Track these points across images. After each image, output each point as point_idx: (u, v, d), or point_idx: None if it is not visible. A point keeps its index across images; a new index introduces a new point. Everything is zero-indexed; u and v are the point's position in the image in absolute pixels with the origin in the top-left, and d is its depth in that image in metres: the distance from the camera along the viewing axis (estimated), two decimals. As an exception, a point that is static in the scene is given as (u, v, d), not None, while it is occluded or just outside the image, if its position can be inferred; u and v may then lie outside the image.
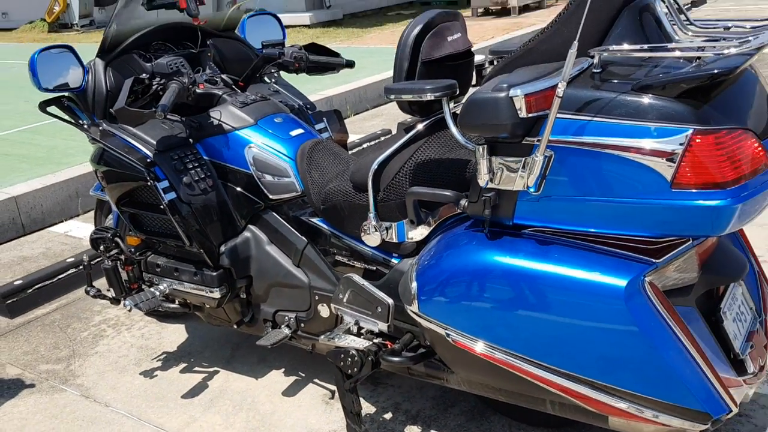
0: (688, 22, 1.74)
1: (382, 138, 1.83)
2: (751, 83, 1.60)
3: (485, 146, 1.60)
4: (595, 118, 1.49)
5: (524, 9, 12.20)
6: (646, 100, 1.46)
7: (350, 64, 2.70)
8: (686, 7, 2.02)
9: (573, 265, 1.57)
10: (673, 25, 1.65)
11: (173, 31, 2.62)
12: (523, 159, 1.56)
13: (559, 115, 1.53)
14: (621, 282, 1.52)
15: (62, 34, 15.22)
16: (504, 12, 11.98)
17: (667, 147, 1.43)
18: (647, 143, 1.45)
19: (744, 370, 1.73)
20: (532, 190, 1.58)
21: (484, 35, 9.67)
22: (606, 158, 1.49)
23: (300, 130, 2.39)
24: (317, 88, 6.61)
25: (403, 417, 2.27)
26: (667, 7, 1.65)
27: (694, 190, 1.43)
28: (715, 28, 1.75)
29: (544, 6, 12.65)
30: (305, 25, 12.20)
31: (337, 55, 2.72)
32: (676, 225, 1.47)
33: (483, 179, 1.62)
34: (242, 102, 2.39)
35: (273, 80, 2.81)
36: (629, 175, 1.48)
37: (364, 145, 4.19)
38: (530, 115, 1.52)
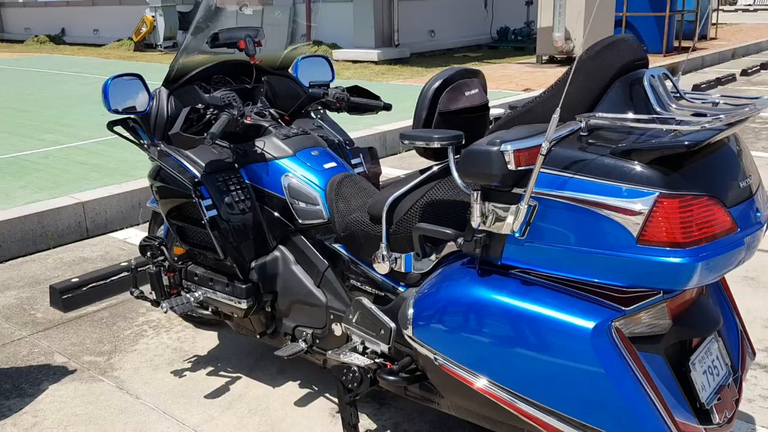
0: (678, 96, 1.91)
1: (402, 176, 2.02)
2: (727, 155, 1.76)
3: (479, 192, 1.80)
4: (576, 176, 1.68)
5: (590, 60, 12.32)
6: (621, 163, 1.64)
7: (387, 107, 2.94)
8: (676, 79, 2.15)
9: (549, 305, 1.74)
10: (661, 98, 1.82)
11: (232, 67, 2.92)
12: (511, 206, 1.75)
13: (545, 171, 1.72)
14: (589, 324, 1.68)
15: (146, 53, 16.10)
16: (569, 60, 12.13)
17: (636, 207, 1.60)
18: (619, 202, 1.62)
19: (708, 420, 1.85)
20: (517, 234, 1.76)
21: (545, 83, 9.84)
22: (583, 212, 1.67)
23: (333, 164, 2.63)
24: (373, 123, 6.90)
25: (401, 436, 2.45)
26: (657, 81, 1.83)
27: (657, 247, 1.59)
28: (704, 102, 1.91)
29: (610, 59, 12.73)
30: (373, 62, 12.62)
31: (377, 98, 2.96)
32: (641, 277, 1.63)
33: (476, 221, 1.82)
34: (285, 134, 2.66)
35: (318, 116, 3.07)
36: (602, 229, 1.65)
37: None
38: (518, 168, 1.71)
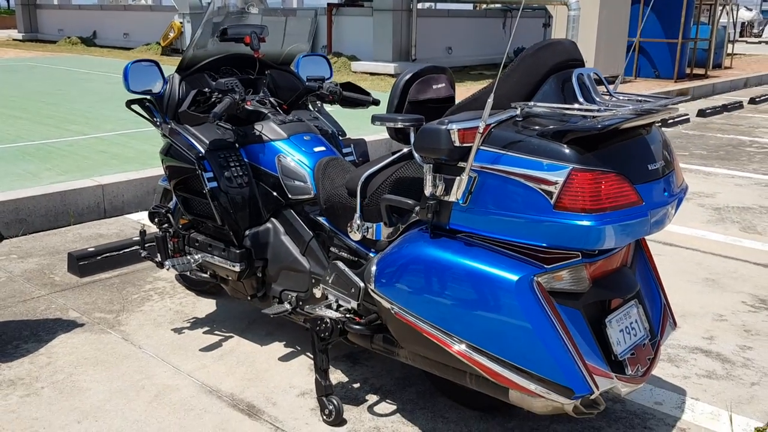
0: (606, 93, 2.23)
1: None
2: (641, 142, 2.08)
3: (431, 165, 2.13)
4: (508, 153, 2.00)
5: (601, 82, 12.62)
6: (544, 142, 1.96)
7: (376, 102, 3.29)
8: (612, 80, 2.51)
9: (483, 262, 2.07)
10: (587, 93, 2.14)
11: (239, 60, 3.29)
12: (456, 177, 2.08)
13: (485, 148, 2.05)
14: (514, 277, 2.00)
15: (173, 57, 16.64)
16: (580, 83, 12.43)
17: (553, 178, 1.92)
18: (540, 174, 1.94)
19: (622, 371, 2.16)
20: (461, 202, 2.09)
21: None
22: (512, 183, 1.99)
23: (322, 148, 2.97)
24: (382, 129, 7.26)
25: (368, 388, 2.76)
26: (586, 79, 2.15)
27: (570, 213, 1.91)
28: (628, 100, 2.23)
29: (622, 82, 13.03)
30: (390, 74, 13.02)
31: (367, 94, 3.31)
32: (557, 238, 1.95)
33: (428, 190, 2.15)
34: (281, 120, 3.01)
35: (316, 108, 3.43)
36: (527, 197, 1.97)
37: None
38: (462, 144, 2.04)
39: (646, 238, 2.85)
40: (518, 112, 2.08)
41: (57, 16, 23.71)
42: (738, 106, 11.33)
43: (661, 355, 3.06)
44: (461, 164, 2.08)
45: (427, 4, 15.66)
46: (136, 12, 21.40)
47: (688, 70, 14.36)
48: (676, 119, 9.55)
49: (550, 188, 1.93)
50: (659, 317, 2.43)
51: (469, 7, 16.92)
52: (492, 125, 2.06)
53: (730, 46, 17.71)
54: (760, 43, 31.25)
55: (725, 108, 10.87)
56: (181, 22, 17.12)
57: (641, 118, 1.98)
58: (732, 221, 5.04)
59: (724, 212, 5.27)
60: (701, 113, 10.27)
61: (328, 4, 15.06)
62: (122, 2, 26.04)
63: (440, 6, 18.03)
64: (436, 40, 14.85)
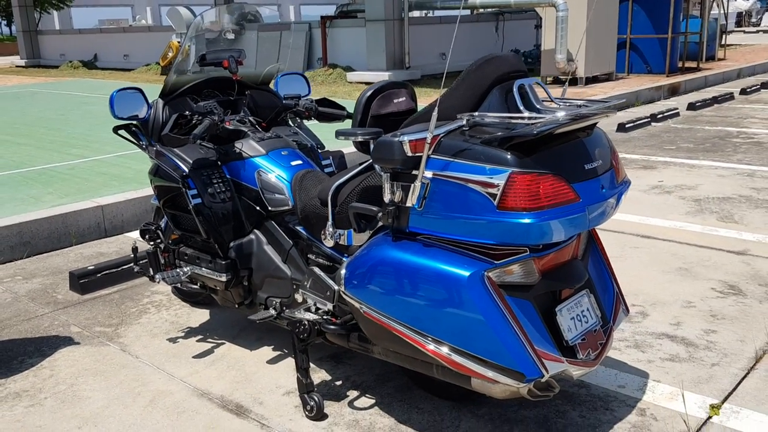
0: (547, 100, 2.41)
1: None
2: (578, 145, 2.25)
3: (389, 174, 2.32)
4: (455, 160, 2.19)
5: (593, 80, 12.79)
6: (487, 149, 2.14)
7: (351, 116, 3.48)
8: (564, 88, 2.70)
9: (439, 260, 2.25)
10: (528, 101, 2.32)
11: (219, 82, 3.49)
12: (411, 184, 2.26)
13: (436, 157, 2.23)
14: (465, 273, 2.18)
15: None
16: (572, 82, 12.60)
17: (494, 181, 2.10)
18: (483, 178, 2.12)
19: (573, 355, 2.33)
20: (416, 206, 2.28)
21: (543, 102, 10.30)
22: (460, 187, 2.17)
23: (299, 161, 3.16)
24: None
25: (349, 384, 2.95)
26: (527, 89, 2.34)
27: (511, 212, 2.09)
28: (569, 105, 2.41)
29: (613, 78, 13.20)
30: (384, 83, 13.21)
31: (342, 108, 3.51)
32: (503, 235, 2.13)
33: (387, 197, 2.33)
34: (260, 138, 3.21)
35: (296, 124, 3.62)
36: (473, 200, 2.15)
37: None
38: (414, 154, 2.23)
39: (599, 231, 3.01)
40: (464, 122, 2.26)
41: (58, 42, 24.12)
42: (729, 97, 11.46)
43: (628, 343, 3.23)
44: (415, 172, 2.27)
45: (417, 13, 15.86)
46: (135, 34, 21.76)
47: (680, 64, 14.50)
48: (665, 114, 9.71)
49: (493, 191, 2.11)
50: (612, 305, 2.60)
51: (462, 12, 17.11)
52: (441, 135, 2.25)
53: (724, 37, 17.82)
54: (758, 32, 31.30)
55: (716, 100, 11.01)
56: (178, 42, 17.42)
57: (575, 122, 2.17)
58: (711, 212, 5.20)
59: (704, 203, 5.43)
60: (691, 107, 10.42)
61: (322, 17, 15.31)
62: (122, 24, 26.41)
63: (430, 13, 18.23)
64: (429, 47, 15.06)
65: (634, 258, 4.31)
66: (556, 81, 12.87)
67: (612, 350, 3.16)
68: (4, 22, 42.08)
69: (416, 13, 17.17)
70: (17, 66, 24.26)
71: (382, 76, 13.29)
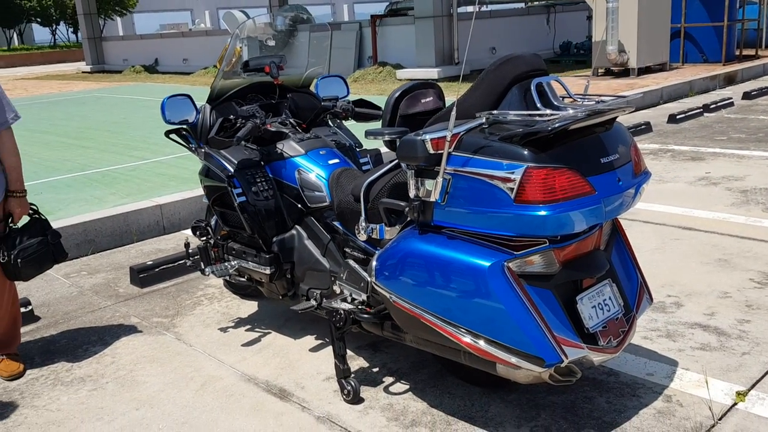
0: (566, 97, 2.51)
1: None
2: (594, 140, 2.35)
3: (413, 170, 2.46)
4: (475, 156, 2.31)
5: (645, 71, 12.59)
6: (504, 145, 2.26)
7: (386, 116, 3.63)
8: (587, 84, 2.78)
9: (462, 252, 2.38)
10: (546, 99, 2.43)
11: (262, 86, 3.69)
12: (434, 180, 2.40)
13: (457, 153, 2.36)
14: (486, 263, 2.31)
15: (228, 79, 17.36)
16: (624, 73, 12.44)
17: (512, 176, 2.22)
18: (501, 173, 2.25)
19: (594, 342, 2.43)
20: (439, 201, 2.41)
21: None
22: (480, 182, 2.30)
23: (336, 160, 3.33)
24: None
25: (385, 371, 3.11)
26: (544, 87, 2.44)
27: (528, 205, 2.21)
28: (589, 102, 2.50)
29: (667, 68, 12.95)
30: (434, 79, 13.32)
31: (378, 108, 3.66)
32: (521, 227, 2.25)
33: (412, 193, 2.48)
34: (300, 138, 3.39)
35: (335, 124, 3.80)
36: (492, 194, 2.27)
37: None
38: (437, 151, 2.36)
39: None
40: (483, 120, 2.39)
41: (121, 47, 25.05)
42: (788, 85, 11.14)
43: (660, 332, 3.29)
44: (437, 168, 2.40)
45: (470, 8, 15.88)
46: (194, 38, 22.42)
47: (737, 52, 14.12)
48: (719, 104, 9.52)
49: (511, 185, 2.23)
50: (635, 294, 2.68)
51: (512, 6, 17.05)
52: (461, 133, 2.38)
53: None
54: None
55: (773, 88, 10.72)
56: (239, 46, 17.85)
57: (590, 118, 2.27)
58: (757, 203, 5.15)
59: (751, 194, 5.37)
60: (746, 96, 10.18)
61: (372, 16, 15.50)
62: (182, 29, 27.21)
63: (484, 7, 18.18)
64: (479, 42, 15.06)
65: (674, 249, 4.33)
66: (608, 72, 12.72)
67: (643, 340, 3.22)
68: (70, 29, 43.83)
69: (469, 8, 17.16)
70: (83, 72, 25.29)
71: (431, 73, 13.40)
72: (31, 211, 3.27)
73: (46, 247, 3.23)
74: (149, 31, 31.18)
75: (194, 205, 5.70)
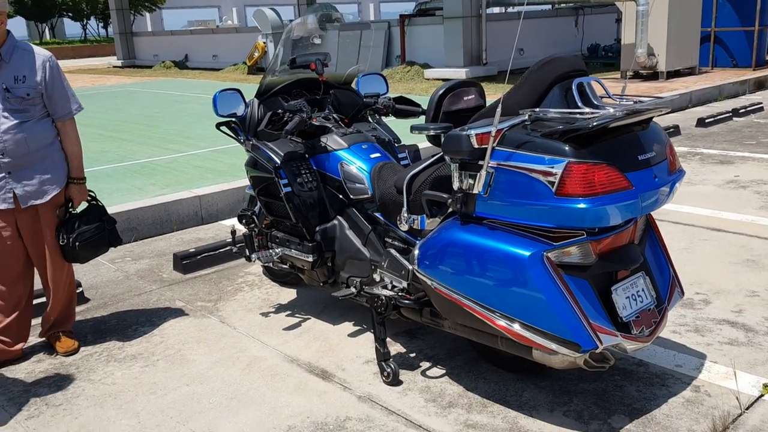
0: (605, 97, 2.63)
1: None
2: (632, 138, 2.47)
3: (457, 164, 2.60)
4: (518, 151, 2.44)
5: (674, 74, 12.59)
6: (546, 141, 2.39)
7: (425, 113, 3.77)
8: (624, 86, 2.91)
9: (503, 242, 2.51)
10: (586, 98, 2.55)
11: (307, 83, 3.85)
12: (477, 173, 2.53)
13: (500, 148, 2.50)
14: (526, 253, 2.44)
15: (258, 76, 17.62)
16: (653, 76, 12.45)
17: (553, 170, 2.35)
18: (543, 167, 2.38)
19: (628, 331, 2.55)
20: (482, 193, 2.55)
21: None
22: (522, 176, 2.43)
23: (377, 154, 3.48)
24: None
25: (422, 357, 3.25)
26: (585, 87, 2.56)
27: (568, 198, 2.34)
28: (626, 102, 2.62)
29: (696, 73, 12.94)
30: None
31: (417, 105, 3.80)
32: (560, 219, 2.37)
33: (455, 185, 2.61)
34: (343, 133, 3.54)
35: (375, 120, 3.94)
36: (533, 187, 2.40)
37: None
38: (480, 146, 2.50)
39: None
40: (526, 117, 2.52)
41: (152, 43, 25.43)
42: (819, 90, 11.09)
43: (689, 327, 3.39)
44: (480, 162, 2.54)
45: (496, 9, 15.95)
46: (223, 35, 22.71)
47: (768, 57, 14.05)
48: (748, 108, 9.53)
49: (552, 179, 2.36)
50: (667, 286, 2.80)
51: (541, 7, 17.08)
52: (505, 129, 2.51)
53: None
54: None
55: (804, 94, 10.68)
56: (264, 42, 18.12)
57: (628, 117, 2.39)
58: (785, 206, 5.21)
59: (779, 198, 5.43)
60: (777, 100, 10.16)
61: (401, 15, 15.63)
62: (209, 25, 27.54)
63: (511, 9, 18.22)
64: (507, 43, 15.13)
65: (703, 250, 4.42)
66: (637, 75, 12.73)
67: (672, 334, 3.33)
68: (100, 24, 44.51)
69: (496, 10, 17.22)
70: (114, 66, 25.72)
71: (459, 73, 13.50)
72: (89, 198, 3.46)
73: (103, 232, 3.42)
74: (177, 27, 31.59)
75: (231, 196, 5.88)
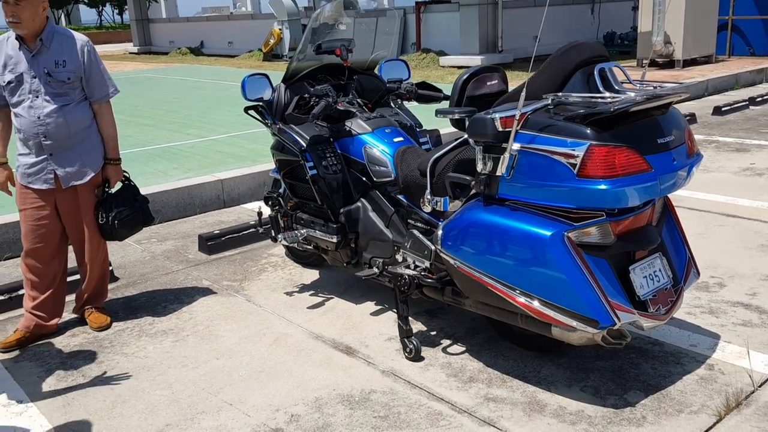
0: (626, 82, 2.71)
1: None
2: (652, 122, 2.55)
3: (481, 147, 2.69)
4: (541, 134, 2.53)
5: (691, 62, 12.55)
6: (569, 125, 2.48)
7: (447, 98, 3.86)
8: (643, 72, 2.99)
9: (525, 222, 2.60)
10: (608, 83, 2.63)
11: (332, 68, 3.94)
12: (501, 156, 2.62)
13: (523, 132, 2.58)
14: (548, 233, 2.53)
15: (273, 62, 17.73)
16: (669, 64, 12.43)
17: (575, 153, 2.44)
18: (565, 150, 2.46)
19: (644, 309, 2.64)
20: (505, 175, 2.64)
21: (637, 85, 10.28)
22: (545, 158, 2.52)
23: (400, 138, 3.57)
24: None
25: (443, 335, 3.35)
26: (606, 72, 2.64)
27: (589, 179, 2.42)
28: (646, 87, 2.69)
29: (713, 61, 12.89)
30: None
31: (439, 91, 3.89)
32: (581, 200, 2.46)
33: (479, 167, 2.71)
34: (367, 117, 3.64)
35: (397, 105, 4.03)
36: (556, 169, 2.49)
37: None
38: (505, 129, 2.59)
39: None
40: (549, 101, 2.60)
41: (167, 29, 25.54)
42: (837, 79, 11.04)
43: (704, 309, 3.47)
44: (504, 145, 2.63)
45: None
46: (238, 21, 22.79)
47: (786, 46, 13.96)
48: (765, 97, 9.52)
49: (574, 161, 2.45)
50: (683, 267, 2.88)
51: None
52: (528, 113, 2.60)
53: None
54: None
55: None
56: (280, 29, 18.19)
57: (648, 101, 2.47)
58: (801, 193, 5.25)
59: (795, 185, 5.48)
60: (794, 89, 10.13)
61: (417, 3, 15.65)
62: (224, 12, 27.61)
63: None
64: (522, 30, 15.13)
65: (718, 235, 4.48)
66: (653, 64, 12.71)
67: (687, 315, 3.41)
68: (116, 11, 44.68)
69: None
70: (130, 53, 25.88)
71: (475, 60, 13.52)
72: (123, 178, 3.58)
73: (137, 211, 3.54)
74: (191, 14, 31.66)
75: (252, 181, 6.00)
